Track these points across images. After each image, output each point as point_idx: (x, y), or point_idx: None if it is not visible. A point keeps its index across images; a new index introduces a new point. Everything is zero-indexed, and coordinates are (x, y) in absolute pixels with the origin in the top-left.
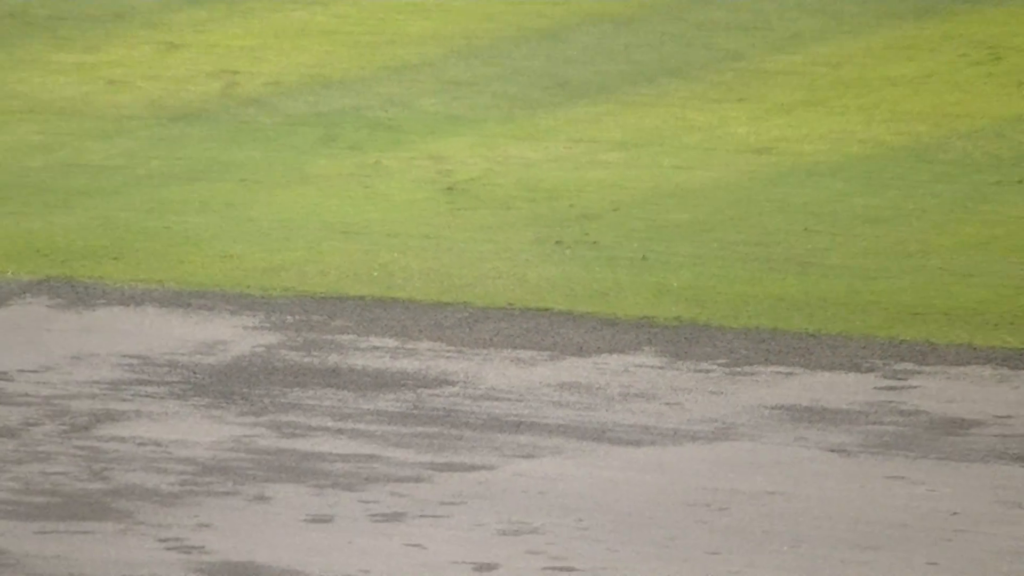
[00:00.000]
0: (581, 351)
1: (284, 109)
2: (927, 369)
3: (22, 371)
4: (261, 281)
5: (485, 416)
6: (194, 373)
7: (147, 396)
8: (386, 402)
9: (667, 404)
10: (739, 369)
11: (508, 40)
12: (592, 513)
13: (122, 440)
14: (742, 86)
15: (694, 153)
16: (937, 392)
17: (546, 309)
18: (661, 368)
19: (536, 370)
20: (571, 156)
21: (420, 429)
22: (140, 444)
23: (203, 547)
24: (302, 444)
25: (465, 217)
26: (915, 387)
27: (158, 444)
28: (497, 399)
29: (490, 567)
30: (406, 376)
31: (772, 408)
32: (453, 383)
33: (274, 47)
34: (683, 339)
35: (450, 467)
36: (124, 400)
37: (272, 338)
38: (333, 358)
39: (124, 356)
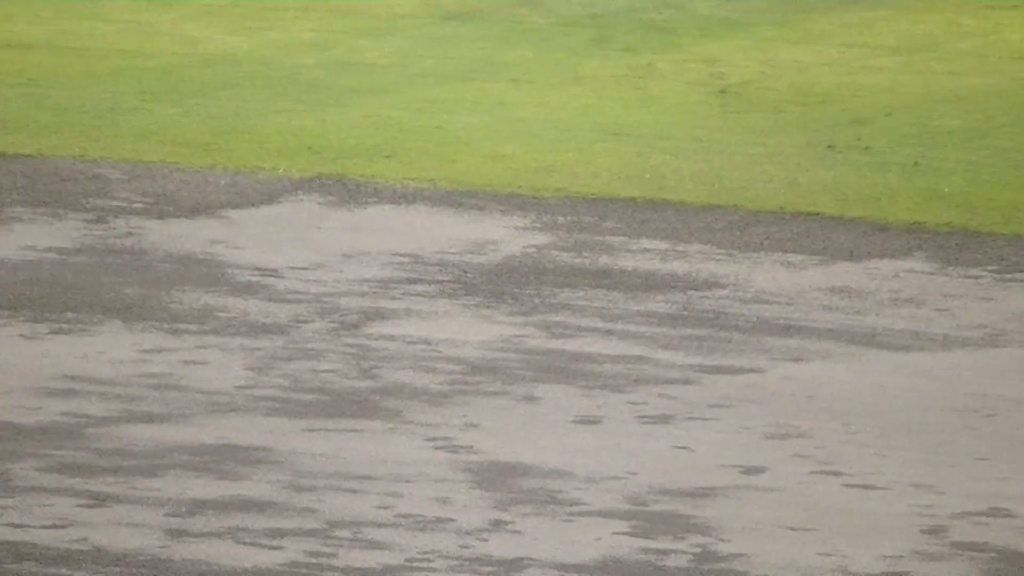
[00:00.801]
0: (851, 255)
1: (557, 10)
2: None
3: (293, 268)
4: (532, 181)
5: (754, 319)
6: (464, 272)
7: (417, 295)
8: (656, 304)
9: (937, 310)
10: (1009, 276)
11: None
12: (860, 418)
13: (391, 338)
14: None
15: (967, 59)
16: None
17: (817, 213)
18: (931, 274)
19: (806, 274)
20: (844, 60)
21: (689, 331)
22: (409, 343)
23: (471, 447)
24: (571, 345)
25: (737, 120)
26: None
27: (427, 343)
28: (766, 302)
29: (757, 470)
30: (676, 278)
31: None
32: (723, 286)
33: None
34: (954, 245)
35: (718, 370)
36: (394, 299)
37: (543, 238)
38: (603, 259)
39: (395, 255)
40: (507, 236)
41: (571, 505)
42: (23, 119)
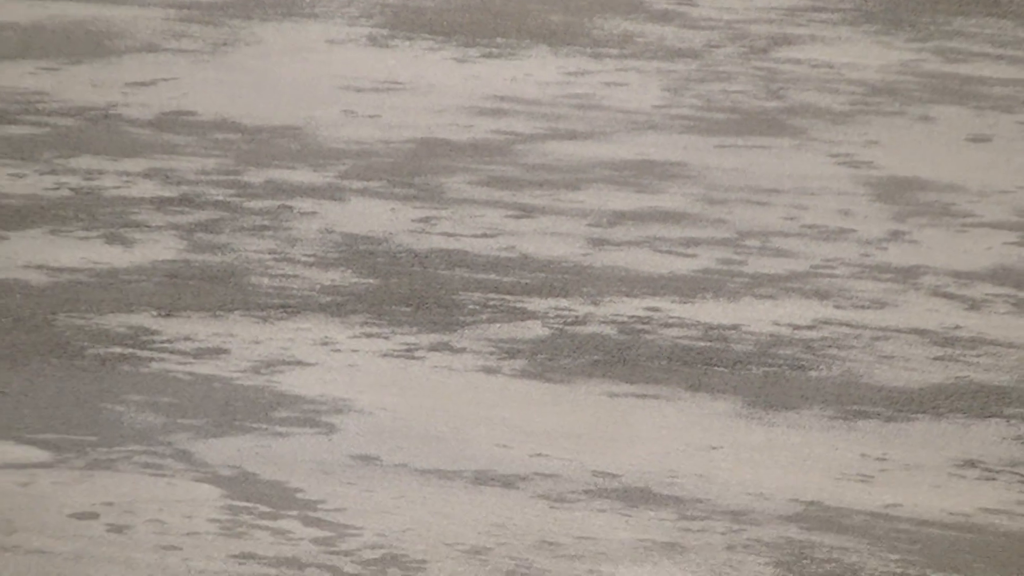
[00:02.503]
0: None
1: None
2: None
3: None
4: None
5: None
6: (865, 1)
7: (821, 22)
8: None
9: None
10: None
11: None
12: None
13: (797, 62)
14: None
15: None
16: None
17: None
18: None
19: None
20: None
21: None
22: (814, 66)
23: (871, 162)
24: (964, 68)
25: None
26: None
27: (830, 66)
28: None
29: None
30: None
31: None
32: None
33: None
34: None
35: None
36: (799, 25)
37: None
38: None
39: None
40: None
41: (964, 217)
42: None
